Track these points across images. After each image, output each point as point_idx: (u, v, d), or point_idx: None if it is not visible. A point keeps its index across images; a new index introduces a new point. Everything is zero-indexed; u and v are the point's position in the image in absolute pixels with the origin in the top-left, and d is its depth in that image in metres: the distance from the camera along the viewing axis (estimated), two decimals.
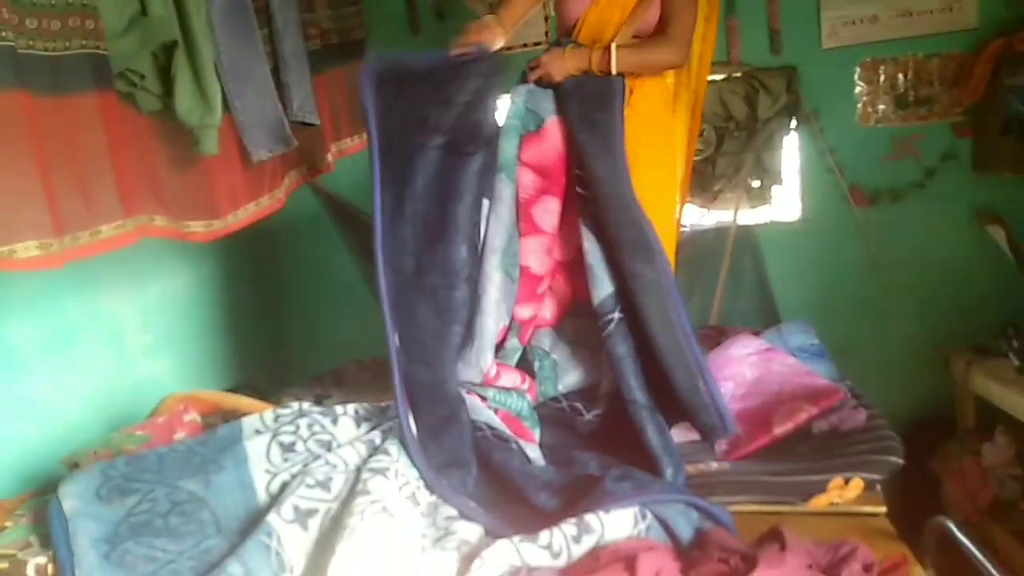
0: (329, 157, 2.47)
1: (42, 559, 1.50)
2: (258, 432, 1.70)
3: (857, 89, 3.02)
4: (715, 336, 2.86)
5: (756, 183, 3.09)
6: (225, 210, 1.94)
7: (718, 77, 3.06)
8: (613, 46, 1.92)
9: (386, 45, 3.11)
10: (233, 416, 2.02)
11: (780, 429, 2.10)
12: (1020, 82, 2.79)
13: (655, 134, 2.07)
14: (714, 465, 2.09)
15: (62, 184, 1.50)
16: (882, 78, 3.01)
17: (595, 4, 1.99)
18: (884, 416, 2.07)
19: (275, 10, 2.07)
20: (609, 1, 1.98)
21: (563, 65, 1.94)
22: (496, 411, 1.92)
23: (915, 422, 2.77)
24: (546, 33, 3.06)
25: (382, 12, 3.09)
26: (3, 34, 1.33)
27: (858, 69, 3.00)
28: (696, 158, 3.09)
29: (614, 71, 1.92)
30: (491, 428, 1.81)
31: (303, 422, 1.75)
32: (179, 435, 1.90)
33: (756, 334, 2.68)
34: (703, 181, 3.10)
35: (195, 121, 1.73)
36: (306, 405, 1.83)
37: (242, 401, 2.08)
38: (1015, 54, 2.77)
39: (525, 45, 3.00)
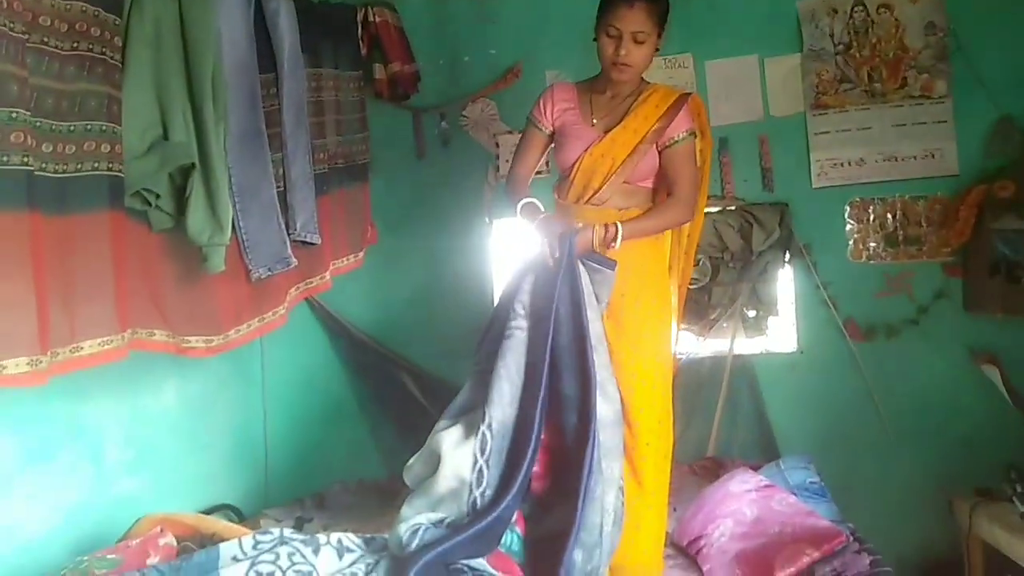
0: (328, 275, 2.50)
1: None
2: (235, 560, 1.63)
3: (848, 226, 3.11)
4: (713, 468, 2.80)
5: (752, 313, 3.12)
6: (227, 326, 1.94)
7: (713, 209, 3.15)
8: (619, 226, 1.97)
9: (391, 169, 3.22)
10: (210, 541, 1.93)
11: (782, 573, 2.03)
12: (1004, 226, 2.88)
13: (647, 261, 2.13)
14: None
15: (55, 299, 1.50)
16: (871, 217, 3.11)
17: (588, 153, 2.10)
18: (888, 563, 2.00)
19: (287, 136, 2.16)
20: (602, 151, 2.08)
21: (583, 247, 1.96)
22: None
23: (921, 568, 2.67)
24: (547, 163, 3.18)
25: (390, 137, 3.22)
26: (23, 159, 1.37)
27: (848, 208, 3.10)
28: (692, 287, 3.14)
29: (617, 245, 1.97)
30: (472, 569, 1.73)
31: (283, 551, 1.68)
32: (152, 559, 1.81)
33: (755, 468, 2.62)
34: (699, 310, 3.13)
35: (205, 240, 1.76)
36: (287, 532, 1.75)
37: (220, 525, 2.00)
38: (997, 200, 2.88)
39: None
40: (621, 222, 2.00)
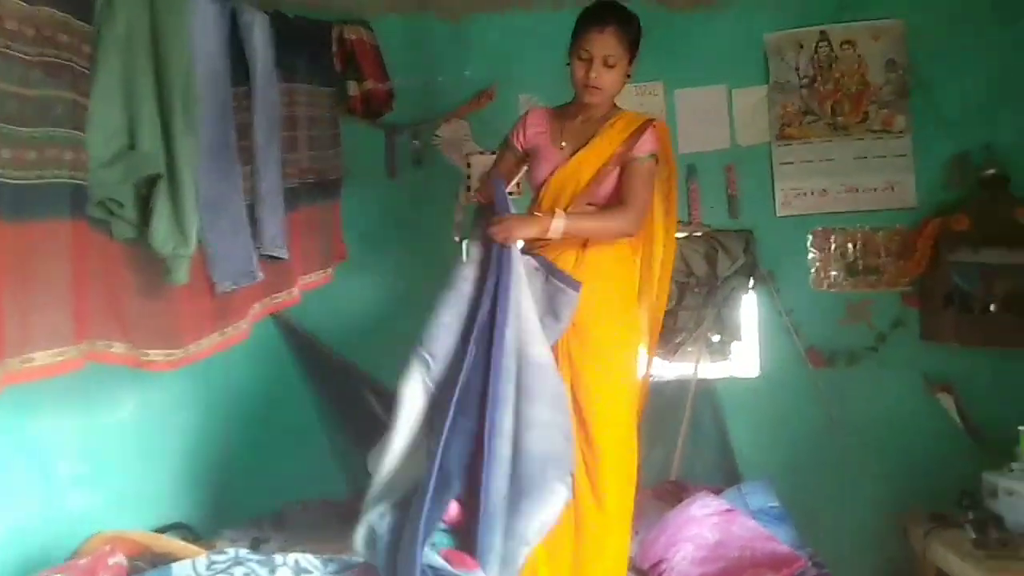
0: (296, 290, 2.47)
1: None
2: None
3: (810, 255, 3.17)
4: (676, 492, 2.82)
5: (716, 338, 3.16)
6: (188, 339, 1.91)
7: (680, 235, 3.19)
8: (559, 212, 2.03)
9: (363, 186, 3.21)
10: (163, 560, 1.89)
11: None
12: (959, 258, 2.97)
13: (614, 284, 2.16)
14: None
15: (8, 308, 1.45)
16: (833, 246, 3.18)
17: (556, 175, 2.15)
18: None
19: (258, 150, 2.15)
20: (568, 173, 2.14)
21: (524, 231, 2.02)
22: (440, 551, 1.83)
23: None
24: (517, 184, 3.20)
25: (362, 154, 3.21)
26: None
27: (810, 236, 3.17)
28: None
29: (558, 235, 2.01)
30: (433, 569, 1.71)
31: (238, 571, 1.64)
32: None
33: (716, 492, 2.65)
34: (665, 334, 3.15)
35: (169, 251, 1.73)
36: (243, 552, 1.72)
37: (173, 544, 1.96)
38: (953, 233, 2.97)
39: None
40: (565, 214, 2.03)
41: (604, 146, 2.12)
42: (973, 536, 2.48)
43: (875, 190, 3.16)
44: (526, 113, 2.30)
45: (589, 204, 2.13)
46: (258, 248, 2.11)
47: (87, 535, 1.99)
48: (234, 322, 2.11)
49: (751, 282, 3.16)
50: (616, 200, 2.13)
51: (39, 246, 1.52)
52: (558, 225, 2.00)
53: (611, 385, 2.10)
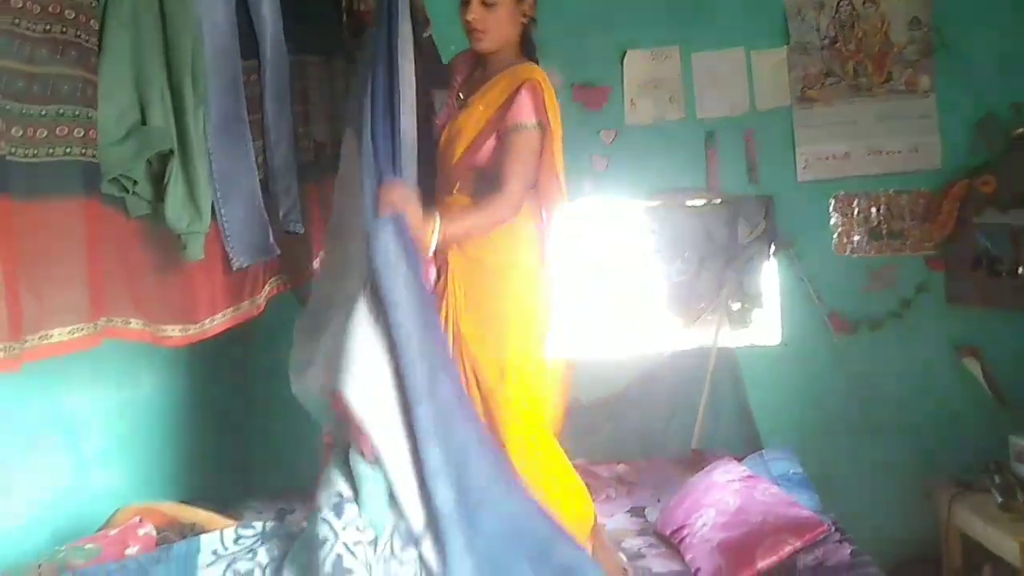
0: (316, 264, 2.47)
1: None
2: (215, 555, 1.61)
3: (832, 220, 3.12)
4: (697, 460, 2.82)
5: (736, 306, 3.13)
6: (202, 315, 1.91)
7: (699, 203, 3.16)
8: (437, 222, 1.77)
9: None
10: (191, 531, 1.92)
11: (764, 562, 2.04)
12: (985, 220, 2.92)
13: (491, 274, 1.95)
14: None
15: (26, 286, 1.47)
16: (856, 211, 3.12)
17: (443, 134, 1.99)
18: (868, 551, 2.02)
19: (270, 124, 2.13)
20: (453, 132, 1.97)
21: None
22: None
23: (900, 558, 2.69)
24: None
25: None
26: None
27: (832, 201, 3.12)
28: (678, 279, 3.15)
29: (432, 248, 1.78)
30: None
31: (262, 549, 1.66)
32: (131, 549, 1.80)
33: (738, 460, 2.64)
34: (684, 302, 3.14)
35: (183, 227, 1.73)
36: (269, 525, 1.74)
37: (201, 515, 1.99)
38: (979, 194, 2.91)
39: None
40: (439, 221, 1.77)
41: (484, 107, 1.91)
42: (999, 500, 2.45)
43: (899, 152, 3.09)
44: (455, 56, 2.09)
45: (473, 170, 1.94)
46: (273, 223, 2.10)
47: (115, 507, 2.03)
48: (248, 297, 2.11)
49: (772, 249, 3.12)
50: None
51: (54, 225, 1.52)
52: (433, 242, 1.77)
53: (503, 357, 1.90)
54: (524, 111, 1.86)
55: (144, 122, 1.71)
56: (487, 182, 1.93)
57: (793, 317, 3.12)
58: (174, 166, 1.73)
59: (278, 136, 2.17)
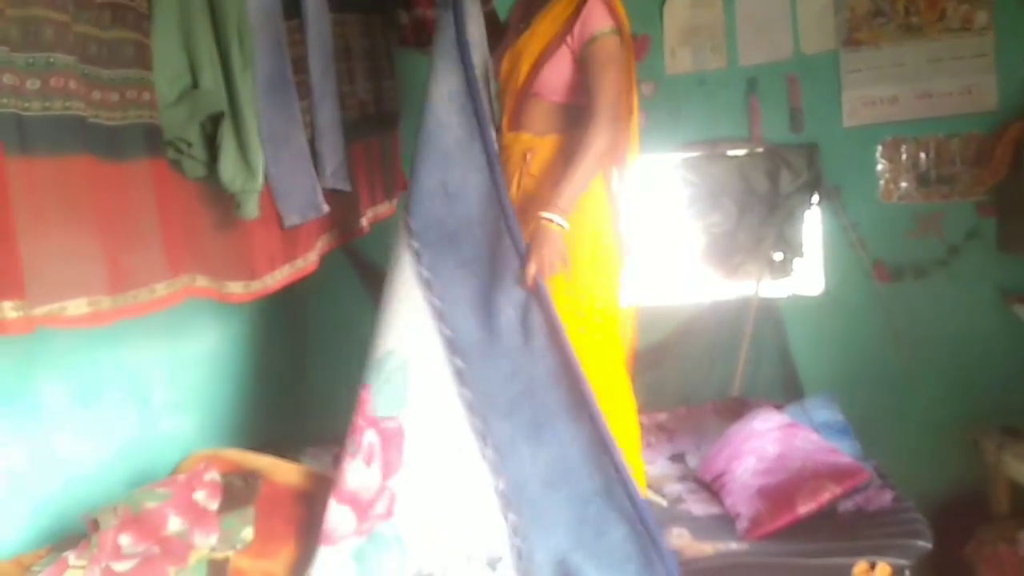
0: (364, 221, 2.53)
1: None
2: None
3: (879, 166, 3.06)
4: (737, 408, 2.84)
5: (778, 256, 3.11)
6: (263, 271, 1.99)
7: (740, 152, 3.12)
8: (549, 211, 1.75)
9: (416, 115, 3.20)
10: (252, 476, 2.03)
11: (804, 508, 2.07)
12: None
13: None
14: (734, 545, 2.05)
15: (118, 244, 1.56)
16: (904, 156, 3.05)
17: (507, 56, 1.93)
18: (911, 498, 2.04)
19: (315, 83, 2.17)
20: (512, 61, 1.90)
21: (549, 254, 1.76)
22: None
23: (944, 505, 2.71)
24: None
25: (415, 84, 3.19)
26: (75, 104, 1.41)
27: (880, 147, 3.05)
28: (717, 230, 3.14)
29: (565, 222, 1.75)
30: None
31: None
32: (199, 494, 1.91)
33: (779, 408, 2.66)
34: (725, 253, 3.13)
35: (237, 187, 1.79)
36: None
37: (262, 460, 2.09)
38: None
39: None
40: (555, 204, 1.75)
41: (547, 26, 1.83)
42: None
43: (951, 95, 2.99)
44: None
45: (536, 97, 1.87)
46: (321, 181, 2.16)
47: (181, 455, 2.14)
48: (302, 255, 2.18)
49: (815, 197, 3.08)
50: (569, 93, 1.85)
51: (132, 186, 1.61)
52: (561, 222, 1.75)
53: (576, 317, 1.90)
54: (598, 18, 1.77)
55: (196, 85, 1.76)
56: (558, 114, 1.86)
57: (836, 266, 3.09)
58: (225, 127, 1.79)
59: (322, 94, 2.20)
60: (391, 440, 1.75)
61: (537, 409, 1.71)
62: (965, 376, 2.97)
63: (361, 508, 1.71)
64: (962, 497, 2.85)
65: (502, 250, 1.76)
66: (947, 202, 3.02)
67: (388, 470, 1.72)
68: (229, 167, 1.79)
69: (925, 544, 1.83)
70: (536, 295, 1.74)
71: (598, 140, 1.77)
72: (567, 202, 1.77)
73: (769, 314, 3.08)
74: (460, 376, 1.74)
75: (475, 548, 1.65)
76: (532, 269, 1.73)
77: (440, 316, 1.76)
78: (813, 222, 3.11)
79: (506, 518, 1.65)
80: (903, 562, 1.81)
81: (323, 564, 1.65)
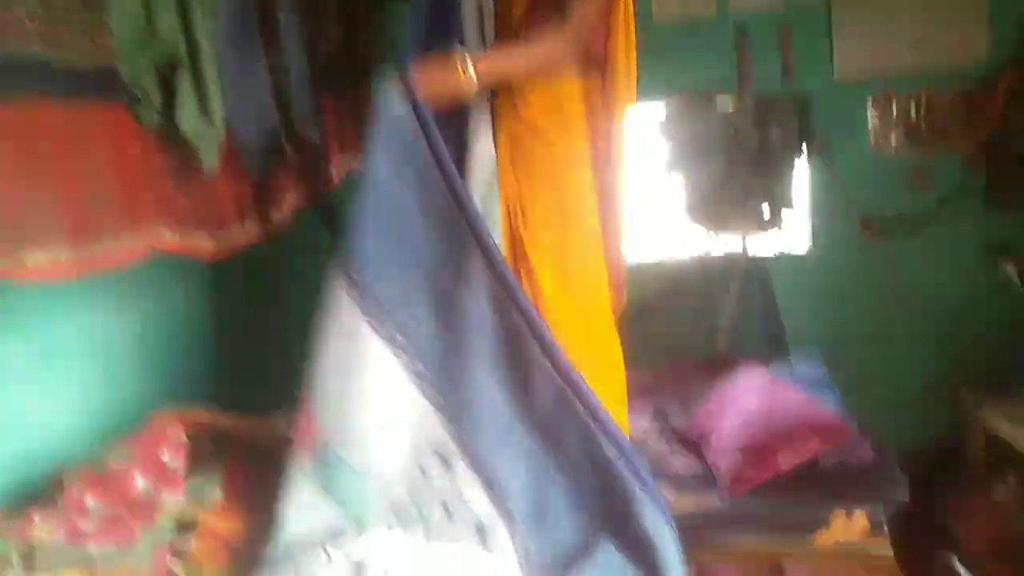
0: (333, 174, 2.46)
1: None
2: None
3: (869, 120, 3.00)
4: (722, 365, 2.81)
5: (766, 211, 3.05)
6: (230, 225, 1.93)
7: (729, 104, 3.04)
8: (467, 59, 1.52)
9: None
10: (221, 435, 1.99)
11: (786, 462, 2.06)
12: None
13: (552, 145, 1.76)
14: (715, 500, 2.04)
15: (76, 193, 1.50)
16: (894, 110, 2.98)
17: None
18: (891, 451, 2.02)
19: (282, 30, 2.08)
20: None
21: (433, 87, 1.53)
22: None
23: (924, 459, 2.69)
24: None
25: (390, 32, 3.09)
26: (31, 46, 1.37)
27: (870, 100, 2.98)
28: (703, 184, 3.07)
29: (473, 88, 1.54)
30: None
31: None
32: (164, 453, 1.87)
33: (763, 364, 2.63)
34: (711, 208, 3.07)
35: (196, 136, 1.72)
36: None
37: (230, 421, 2.05)
38: None
39: None
40: (477, 57, 1.53)
41: None
42: None
43: (944, 46, 2.91)
44: None
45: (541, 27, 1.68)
46: (287, 132, 2.08)
47: (147, 415, 2.09)
48: (273, 209, 2.12)
49: (805, 151, 3.02)
50: None
51: (93, 133, 1.55)
52: (471, 72, 1.51)
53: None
54: None
55: (154, 32, 1.68)
56: None
57: (824, 221, 3.04)
58: (184, 75, 1.71)
59: (289, 42, 2.12)
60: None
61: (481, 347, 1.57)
62: (950, 332, 2.94)
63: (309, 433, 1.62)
64: (940, 451, 2.84)
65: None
66: (937, 156, 2.96)
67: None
68: (187, 115, 1.71)
69: (903, 496, 1.82)
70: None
71: (557, 38, 1.64)
72: (487, 66, 1.57)
73: (756, 270, 3.03)
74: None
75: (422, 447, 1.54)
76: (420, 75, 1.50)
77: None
78: (802, 176, 3.05)
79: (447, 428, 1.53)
80: (881, 512, 1.80)
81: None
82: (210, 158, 1.76)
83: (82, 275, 1.51)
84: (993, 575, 2.26)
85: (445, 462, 1.52)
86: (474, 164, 1.73)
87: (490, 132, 1.76)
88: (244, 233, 2.03)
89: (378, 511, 1.54)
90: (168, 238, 1.81)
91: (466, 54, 1.54)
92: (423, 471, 1.53)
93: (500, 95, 1.80)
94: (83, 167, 1.54)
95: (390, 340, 1.54)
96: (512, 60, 1.64)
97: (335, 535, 1.53)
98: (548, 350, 1.55)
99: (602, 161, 1.87)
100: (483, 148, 1.75)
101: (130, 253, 1.66)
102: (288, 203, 2.20)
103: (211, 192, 1.89)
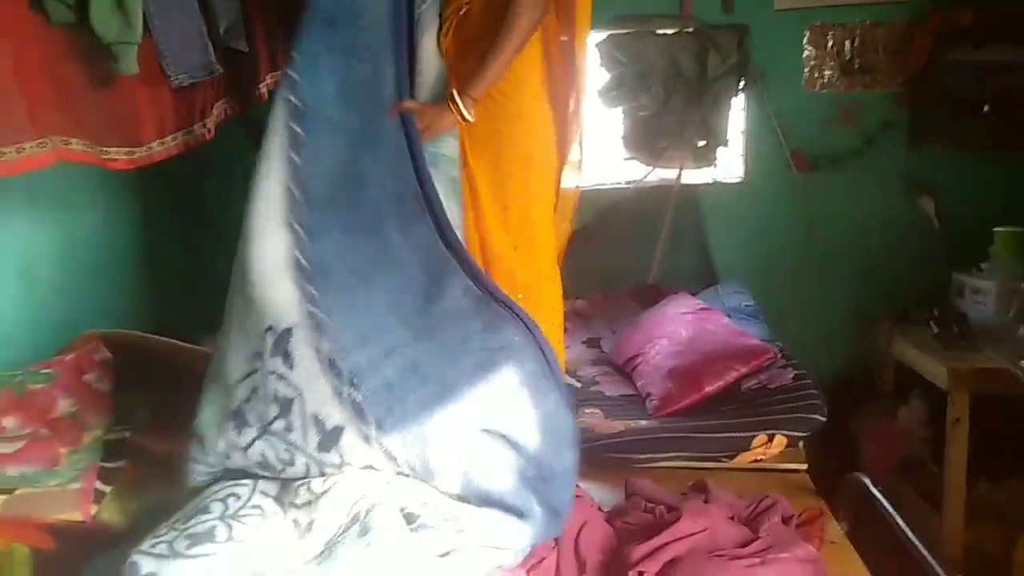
0: (263, 88, 2.33)
1: None
2: None
3: (805, 53, 3.03)
4: (653, 295, 2.88)
5: (701, 143, 3.08)
6: (148, 137, 1.80)
7: (668, 32, 3.01)
8: (457, 99, 1.65)
9: None
10: (149, 357, 1.93)
11: (710, 387, 2.14)
12: (957, 58, 2.85)
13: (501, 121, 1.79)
14: (643, 422, 2.11)
15: None
16: (830, 43, 3.02)
17: None
18: (810, 376, 2.13)
19: None
20: None
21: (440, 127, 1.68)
22: None
23: (838, 384, 2.86)
24: None
25: None
26: None
27: (808, 33, 3.01)
28: (642, 114, 3.07)
29: (470, 114, 1.66)
30: None
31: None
32: (88, 376, 1.81)
33: (693, 294, 2.70)
34: (648, 138, 3.08)
35: (112, 37, 1.58)
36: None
37: (155, 342, 1.99)
38: (955, 29, 2.82)
39: None
40: (466, 92, 1.64)
41: None
42: (935, 331, 2.58)
43: None
44: None
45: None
46: (213, 39, 1.94)
47: (69, 338, 2.01)
48: (198, 121, 1.99)
49: (741, 83, 3.03)
50: None
51: None
52: (466, 115, 1.65)
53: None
54: None
55: None
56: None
57: (756, 154, 3.10)
58: None
59: None
60: None
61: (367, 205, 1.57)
62: (871, 264, 3.08)
63: None
64: (854, 377, 3.02)
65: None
66: (868, 92, 3.03)
67: None
68: (103, 15, 1.57)
69: (820, 418, 1.92)
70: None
71: (520, 19, 1.66)
72: (480, 90, 1.68)
73: (689, 201, 3.08)
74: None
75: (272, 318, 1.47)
76: (412, 108, 1.63)
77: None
78: (737, 109, 3.08)
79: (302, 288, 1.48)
80: (799, 434, 1.90)
81: None
82: (129, 64, 1.63)
83: None
84: (895, 494, 2.44)
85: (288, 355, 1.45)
86: (422, 64, 1.73)
87: (435, 32, 1.73)
88: (164, 147, 1.91)
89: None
90: (79, 149, 1.69)
91: (458, 97, 1.64)
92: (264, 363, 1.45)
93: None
94: None
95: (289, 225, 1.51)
96: (493, 68, 1.67)
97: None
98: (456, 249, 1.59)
99: (557, 92, 1.86)
100: (429, 46, 1.74)
101: (31, 163, 1.54)
102: (215, 117, 2.08)
103: (130, 101, 1.76)
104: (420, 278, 1.55)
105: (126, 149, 1.76)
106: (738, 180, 3.15)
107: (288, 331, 1.45)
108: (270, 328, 1.46)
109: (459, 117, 1.67)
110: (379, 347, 1.46)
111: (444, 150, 1.76)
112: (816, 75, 3.05)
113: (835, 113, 3.04)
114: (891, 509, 1.61)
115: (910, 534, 1.53)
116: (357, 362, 1.44)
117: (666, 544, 1.36)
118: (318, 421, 1.42)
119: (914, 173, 3.02)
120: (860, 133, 3.03)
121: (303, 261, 1.48)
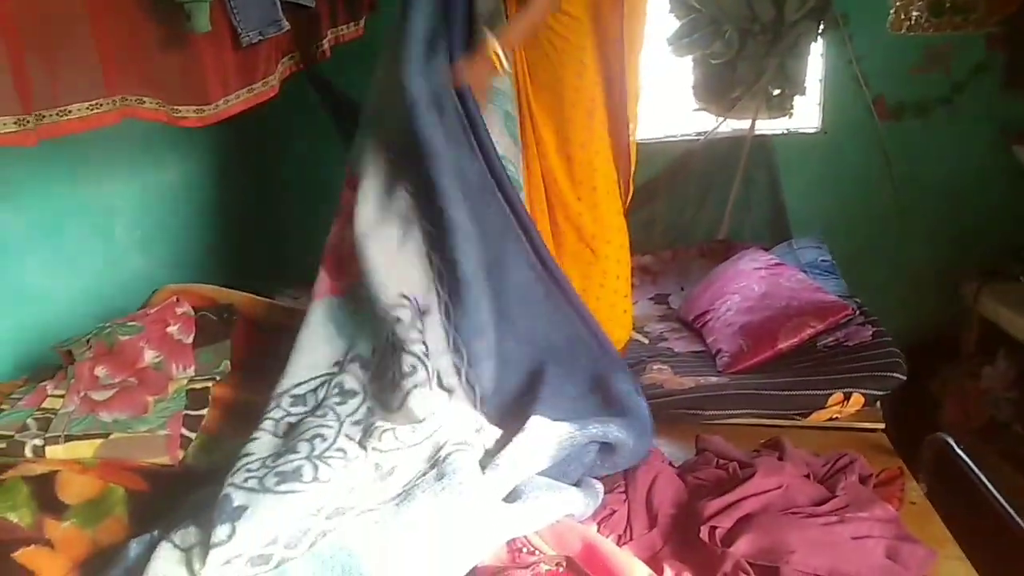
0: (325, 44, 2.33)
1: (39, 441, 1.50)
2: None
3: None
4: (723, 251, 2.81)
5: (777, 92, 2.95)
6: (217, 94, 1.83)
7: None
8: (490, 41, 1.69)
9: None
10: (228, 311, 1.99)
11: (785, 343, 2.09)
12: None
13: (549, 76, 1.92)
14: (713, 378, 2.08)
15: (33, 59, 1.41)
16: None
17: None
18: (889, 334, 2.05)
19: None
20: None
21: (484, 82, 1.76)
22: None
23: (919, 342, 2.73)
24: None
25: None
26: None
27: None
28: (714, 62, 2.95)
29: (506, 63, 1.71)
30: None
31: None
32: (172, 327, 1.88)
33: (766, 249, 2.63)
34: (721, 87, 2.96)
35: None
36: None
37: (236, 296, 2.04)
38: None
39: None
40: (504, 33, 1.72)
41: None
42: None
43: None
44: None
45: None
46: None
47: (149, 292, 2.08)
48: (262, 78, 2.01)
49: (821, 27, 2.87)
50: None
51: None
52: (501, 54, 1.69)
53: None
54: None
55: None
56: None
57: (836, 102, 2.95)
58: None
59: None
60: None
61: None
62: (956, 218, 2.93)
63: (338, 266, 1.73)
64: (936, 335, 2.88)
65: None
66: (959, 34, 2.82)
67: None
68: None
69: (900, 376, 1.86)
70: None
71: None
72: (511, 37, 1.75)
73: (763, 152, 2.96)
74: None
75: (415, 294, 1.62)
76: (463, 70, 1.70)
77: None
78: (816, 55, 2.93)
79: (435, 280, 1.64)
80: (877, 393, 1.84)
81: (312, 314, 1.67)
82: (202, 21, 1.65)
83: (42, 140, 1.45)
84: (977, 457, 2.35)
85: (420, 313, 1.59)
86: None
87: None
88: (232, 103, 1.94)
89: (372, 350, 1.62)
90: (150, 108, 1.73)
91: (494, 41, 1.68)
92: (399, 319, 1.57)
93: None
94: (44, 30, 1.44)
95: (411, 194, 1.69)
96: (530, 15, 1.74)
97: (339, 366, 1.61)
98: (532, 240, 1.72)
99: (610, 45, 1.88)
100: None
101: (99, 121, 1.58)
102: (280, 73, 2.10)
103: (199, 59, 1.78)
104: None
105: (195, 107, 1.80)
106: (815, 130, 3.01)
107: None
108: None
109: (497, 66, 1.70)
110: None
111: (500, 84, 1.83)
112: (903, 16, 2.84)
113: (923, 57, 2.86)
114: (976, 470, 1.55)
115: (998, 496, 1.47)
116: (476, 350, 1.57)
117: (739, 500, 1.34)
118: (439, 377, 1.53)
119: (1008, 121, 2.82)
120: (949, 79, 2.85)
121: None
